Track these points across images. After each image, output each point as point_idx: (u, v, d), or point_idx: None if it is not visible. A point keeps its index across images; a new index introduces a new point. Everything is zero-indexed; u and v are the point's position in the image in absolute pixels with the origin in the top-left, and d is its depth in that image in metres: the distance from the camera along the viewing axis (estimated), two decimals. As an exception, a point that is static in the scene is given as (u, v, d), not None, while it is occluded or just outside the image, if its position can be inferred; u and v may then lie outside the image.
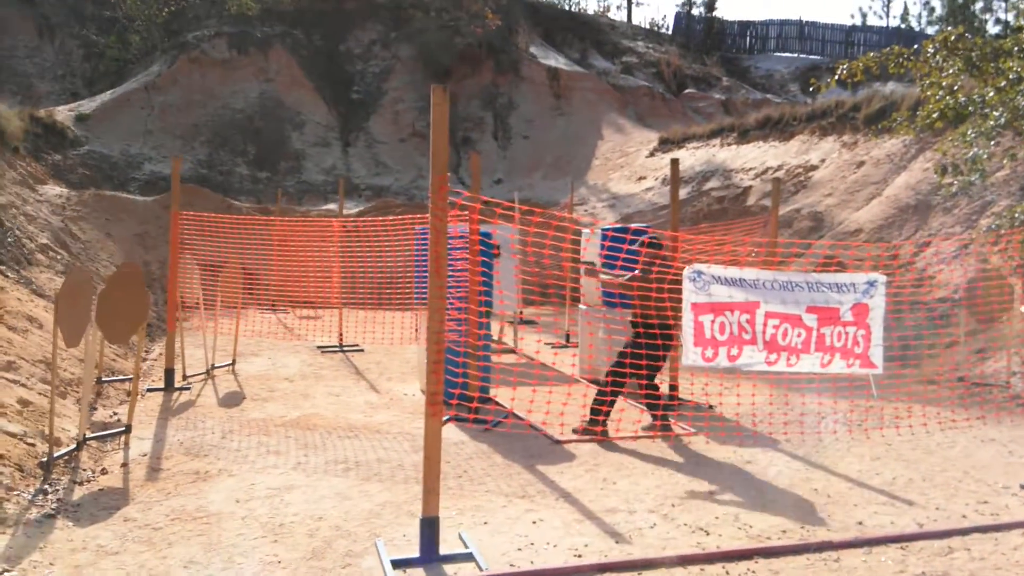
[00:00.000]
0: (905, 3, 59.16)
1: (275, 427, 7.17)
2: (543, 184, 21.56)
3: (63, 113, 19.38)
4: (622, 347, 7.15)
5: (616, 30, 30.87)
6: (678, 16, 33.19)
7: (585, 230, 10.14)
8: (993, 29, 30.40)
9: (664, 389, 8.22)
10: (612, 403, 6.95)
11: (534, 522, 4.85)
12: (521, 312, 13.61)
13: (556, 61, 25.73)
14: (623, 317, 7.93)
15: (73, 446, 5.91)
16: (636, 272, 7.03)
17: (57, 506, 4.94)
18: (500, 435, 6.93)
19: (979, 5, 31.02)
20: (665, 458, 6.39)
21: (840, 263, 9.40)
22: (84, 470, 5.67)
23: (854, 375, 6.39)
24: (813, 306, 5.71)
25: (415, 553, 4.27)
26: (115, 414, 7.41)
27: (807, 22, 32.49)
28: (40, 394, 6.67)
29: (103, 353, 8.70)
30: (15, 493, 4.90)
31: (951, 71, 9.40)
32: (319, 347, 11.81)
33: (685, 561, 4.29)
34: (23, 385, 6.68)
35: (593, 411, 6.92)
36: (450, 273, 7.19)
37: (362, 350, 11.67)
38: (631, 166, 20.86)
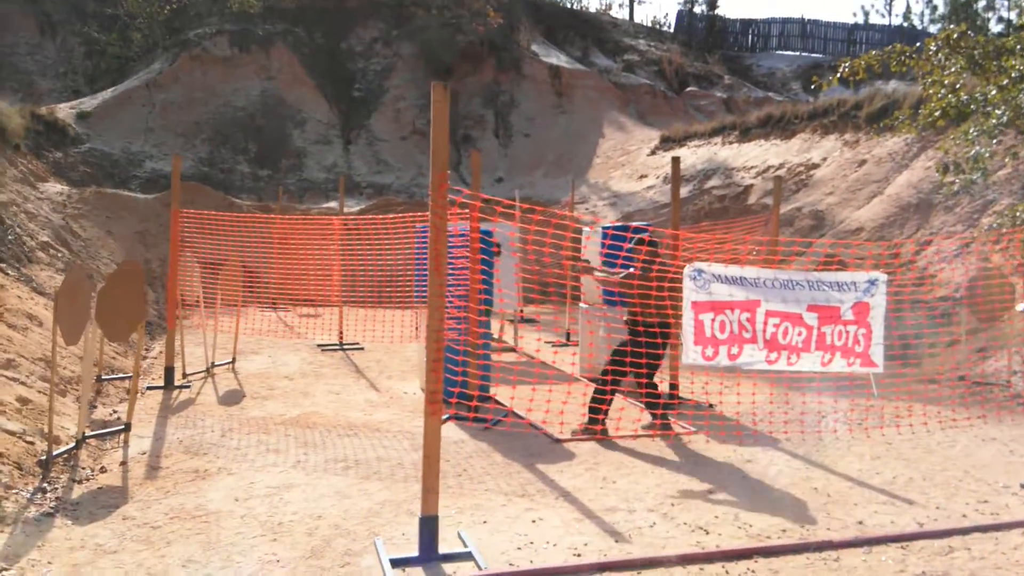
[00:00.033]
0: (907, 1, 58.98)
1: (275, 425, 7.16)
2: (544, 182, 21.55)
3: (64, 111, 19.38)
4: (617, 345, 7.14)
5: (618, 28, 30.84)
6: (680, 14, 33.16)
7: (586, 228, 10.13)
8: (996, 28, 30.34)
9: (664, 388, 8.22)
10: (610, 402, 6.94)
11: (533, 521, 4.84)
12: (521, 310, 13.60)
13: (558, 59, 25.71)
14: (623, 315, 7.92)
15: (72, 444, 5.91)
16: (631, 271, 7.01)
17: (56, 504, 4.94)
18: (500, 434, 6.92)
19: (982, 3, 30.98)
20: (665, 457, 6.38)
21: (841, 261, 9.39)
22: (83, 468, 5.67)
23: (855, 374, 6.38)
24: (814, 305, 5.69)
25: (414, 552, 4.26)
26: (115, 412, 7.40)
27: (809, 20, 32.46)
28: (40, 392, 6.66)
29: (103, 351, 8.70)
30: (14, 491, 4.89)
31: (953, 69, 9.38)
32: (319, 345, 11.81)
33: (685, 560, 4.28)
34: (23, 383, 6.68)
35: (591, 410, 6.91)
36: (450, 271, 7.19)
37: (362, 348, 11.67)
38: (632, 164, 20.84)
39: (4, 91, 19.40)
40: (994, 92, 9.05)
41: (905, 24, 35.33)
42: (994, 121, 9.07)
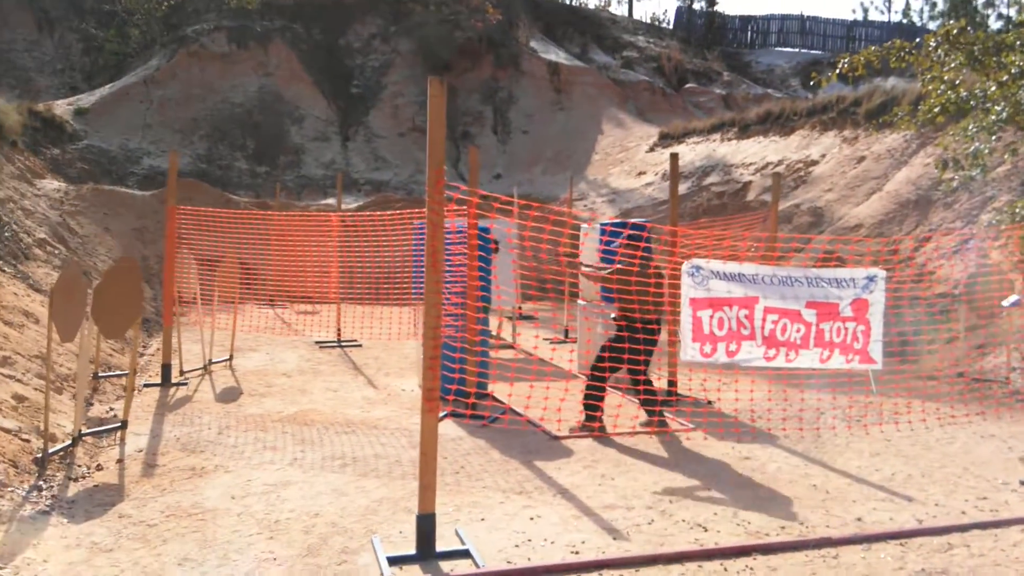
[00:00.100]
0: (907, -2, 58.78)
1: (272, 423, 7.14)
2: (543, 179, 21.52)
3: (62, 107, 19.33)
4: (605, 341, 7.11)
5: (617, 24, 30.79)
6: (679, 10, 33.12)
7: (584, 225, 10.10)
8: (995, 25, 30.33)
9: (662, 385, 8.20)
10: (602, 397, 6.91)
11: (531, 518, 4.83)
12: (519, 307, 13.58)
13: (556, 55, 25.66)
14: (611, 312, 7.90)
15: (68, 442, 5.88)
16: (617, 266, 6.97)
17: (52, 502, 4.92)
18: (498, 431, 6.90)
19: (981, 0, 30.95)
20: (663, 454, 6.37)
21: (840, 258, 9.38)
22: (79, 466, 5.65)
23: (853, 371, 6.36)
24: (812, 301, 5.68)
25: (412, 550, 4.25)
26: (111, 410, 7.38)
27: (808, 17, 32.43)
28: (36, 389, 6.64)
29: (100, 348, 8.67)
30: (9, 489, 4.87)
31: (953, 65, 9.35)
32: (317, 342, 11.79)
33: (683, 558, 4.27)
34: (19, 380, 6.65)
35: (587, 407, 6.89)
36: (448, 268, 7.17)
37: (360, 345, 11.65)
38: (631, 161, 20.81)
39: (1, 88, 19.35)
40: (994, 88, 9.03)
41: (904, 21, 35.32)
42: (993, 117, 9.05)
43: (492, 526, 4.70)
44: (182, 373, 9.03)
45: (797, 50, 32.02)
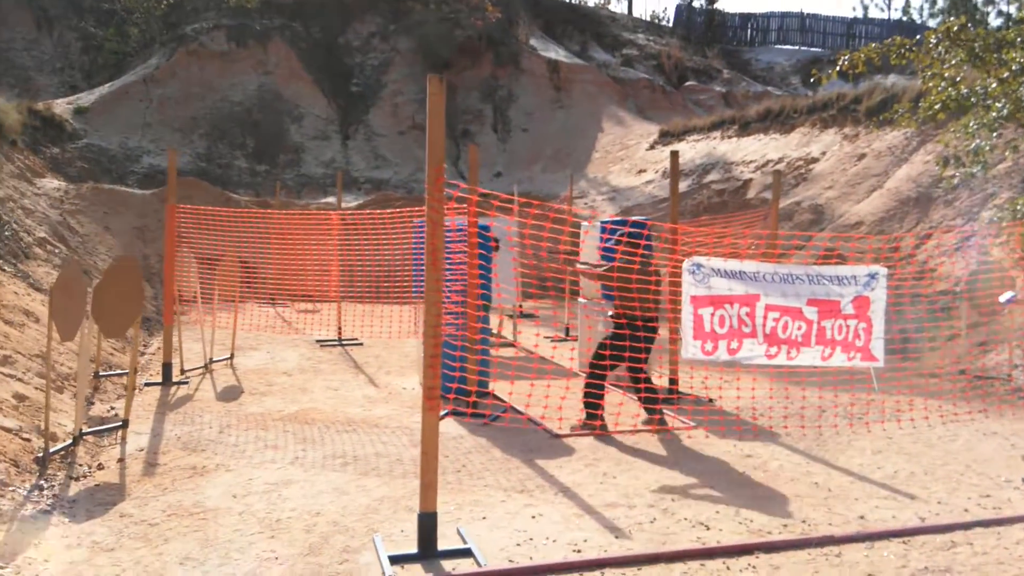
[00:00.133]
0: (907, -5, 58.73)
1: (273, 421, 7.13)
2: (543, 177, 21.50)
3: (61, 106, 19.31)
4: (602, 338, 7.09)
5: (616, 22, 30.77)
6: (679, 8, 33.11)
7: (584, 223, 10.09)
8: (995, 22, 30.29)
9: (663, 383, 8.19)
10: (602, 395, 6.89)
11: (533, 517, 4.82)
12: (520, 305, 13.57)
13: (556, 53, 25.64)
14: (608, 309, 7.88)
15: (69, 441, 5.87)
16: (612, 264, 6.95)
17: (52, 502, 4.91)
18: (499, 429, 6.89)
19: (981, -2, 30.92)
20: (665, 452, 6.36)
21: (841, 256, 9.36)
22: (80, 465, 5.64)
23: (855, 368, 6.35)
24: (814, 299, 5.67)
25: (413, 548, 4.24)
26: (112, 409, 7.38)
27: (808, 14, 32.43)
28: (37, 389, 6.63)
29: (100, 347, 8.67)
30: (10, 489, 4.86)
31: (954, 62, 9.34)
32: (318, 341, 11.78)
33: (685, 556, 4.25)
34: (19, 380, 6.64)
35: (588, 405, 6.88)
36: (448, 266, 7.15)
37: (361, 344, 11.64)
38: (631, 159, 20.80)
39: (1, 87, 19.34)
40: (994, 85, 9.02)
41: (904, 18, 35.28)
42: (994, 114, 9.03)
43: (494, 525, 4.69)
44: (183, 372, 9.03)
45: (797, 48, 32.00)
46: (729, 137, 18.81)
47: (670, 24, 33.02)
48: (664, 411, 7.23)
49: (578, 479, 5.58)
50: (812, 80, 11.41)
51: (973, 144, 9.44)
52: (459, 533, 4.50)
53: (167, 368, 8.65)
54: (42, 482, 5.16)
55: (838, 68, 9.93)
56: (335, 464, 5.86)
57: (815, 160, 15.76)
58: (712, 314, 5.73)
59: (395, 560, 4.14)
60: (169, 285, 9.03)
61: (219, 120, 21.12)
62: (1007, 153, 11.09)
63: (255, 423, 7.06)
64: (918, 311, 10.03)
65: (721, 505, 5.08)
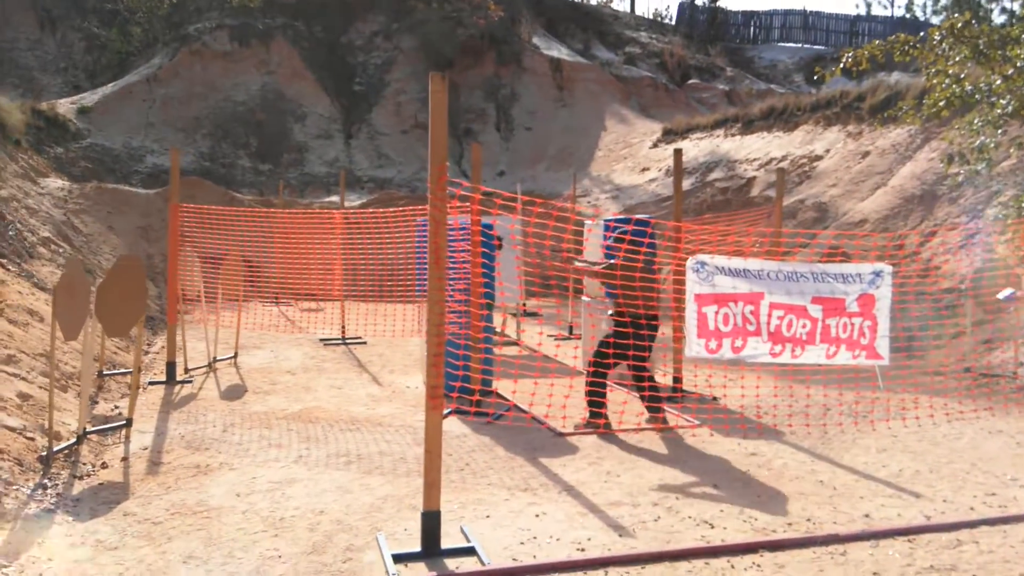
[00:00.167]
0: (910, -8, 58.61)
1: (277, 420, 7.13)
2: (546, 176, 21.49)
3: (65, 106, 19.34)
4: (603, 337, 7.08)
5: (619, 20, 30.74)
6: (681, 6, 33.05)
7: (588, 221, 10.07)
8: (999, 19, 30.18)
9: (667, 381, 8.18)
10: (605, 393, 6.87)
11: (537, 515, 4.81)
12: (523, 304, 13.56)
13: (559, 52, 25.62)
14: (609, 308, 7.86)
15: (73, 440, 5.88)
16: (612, 262, 6.93)
17: (56, 501, 4.91)
18: (502, 428, 6.88)
19: (984, -6, 30.80)
20: (669, 451, 6.34)
21: (845, 253, 9.34)
22: (84, 464, 5.64)
23: (860, 366, 6.33)
24: (818, 297, 5.65)
25: (417, 547, 4.23)
26: (116, 407, 7.38)
27: (811, 12, 32.36)
28: (41, 388, 6.64)
29: (104, 346, 8.68)
30: (14, 488, 4.86)
31: (958, 59, 9.31)
32: (321, 340, 11.79)
33: (690, 555, 4.24)
34: (23, 379, 6.65)
35: (591, 404, 6.86)
36: (451, 265, 7.15)
37: (364, 342, 11.64)
38: (634, 157, 20.77)
39: (4, 87, 19.38)
40: (999, 82, 8.98)
41: (908, 16, 35.15)
42: (999, 111, 9.00)
43: (497, 523, 4.68)
44: (187, 371, 9.03)
45: (800, 45, 31.94)
46: (732, 135, 18.78)
47: (673, 22, 32.98)
48: (668, 409, 7.21)
49: (582, 477, 5.57)
50: (815, 78, 11.38)
51: (978, 141, 9.41)
52: (463, 532, 4.49)
53: (171, 367, 8.66)
54: (46, 481, 5.16)
55: (842, 65, 9.90)
56: (339, 463, 5.86)
57: (819, 158, 15.72)
58: (716, 312, 5.72)
59: (399, 559, 4.13)
60: (173, 284, 9.03)
61: (222, 120, 21.14)
62: (1012, 150, 11.05)
63: (259, 422, 7.06)
64: (923, 309, 10.00)
65: (725, 503, 5.07)
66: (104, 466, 5.70)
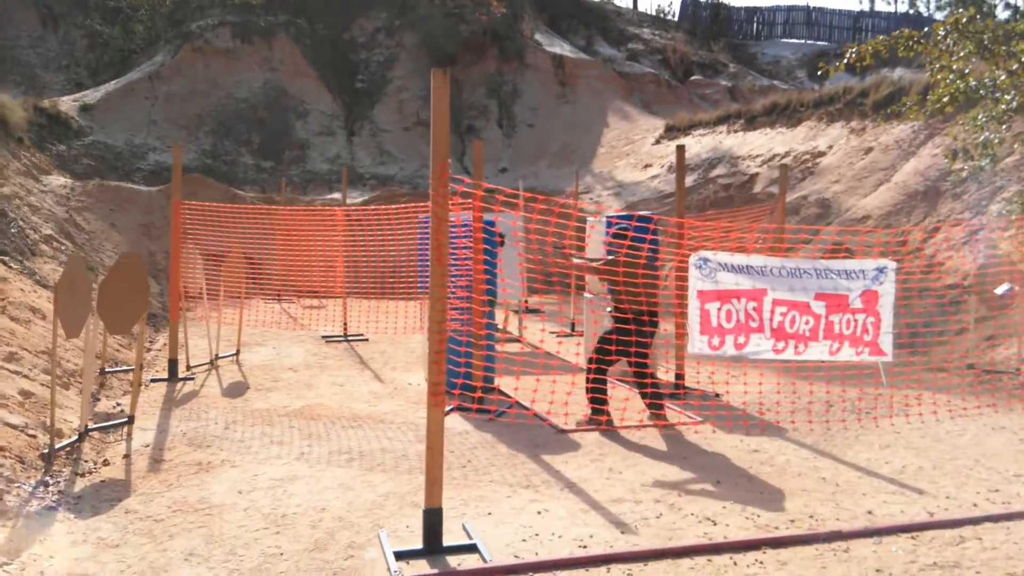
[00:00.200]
0: (913, -12, 58.43)
1: (279, 417, 7.13)
2: (548, 172, 21.46)
3: (67, 103, 19.35)
4: (603, 333, 7.06)
5: (622, 17, 30.69)
6: (684, 2, 32.97)
7: (590, 218, 10.06)
8: (1003, 14, 30.09)
9: (670, 378, 8.16)
10: (606, 390, 6.86)
11: (539, 512, 4.80)
12: (525, 301, 13.55)
13: (561, 48, 25.58)
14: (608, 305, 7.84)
15: (75, 437, 5.88)
16: (611, 258, 6.91)
17: (58, 498, 4.91)
18: (504, 425, 6.88)
19: (988, -10, 30.72)
20: (671, 447, 6.33)
21: (848, 250, 9.32)
22: (86, 462, 5.64)
23: (863, 363, 6.31)
24: (821, 293, 5.64)
25: (418, 544, 4.22)
26: (118, 405, 7.38)
27: (814, 8, 32.26)
28: (43, 385, 6.64)
29: (106, 344, 8.68)
30: (16, 485, 4.86)
31: (962, 54, 9.28)
32: (323, 337, 11.78)
33: (692, 552, 4.23)
34: (25, 376, 6.65)
35: (593, 400, 6.84)
36: (453, 262, 7.13)
37: (367, 339, 11.64)
38: (637, 154, 20.74)
39: (7, 84, 19.40)
40: (1003, 77, 8.95)
41: (911, 11, 35.03)
42: (1003, 107, 8.97)
43: (499, 520, 4.68)
44: (188, 368, 9.04)
45: (803, 41, 31.87)
46: (735, 131, 18.74)
47: (675, 18, 32.91)
48: (669, 406, 7.20)
49: (584, 474, 5.56)
50: (819, 73, 11.36)
51: (982, 137, 9.38)
52: (464, 529, 4.49)
53: (173, 364, 8.66)
54: (47, 478, 5.16)
55: (845, 61, 9.87)
56: (340, 460, 5.86)
57: (822, 154, 15.69)
58: (719, 309, 5.71)
59: (400, 556, 4.13)
60: (175, 281, 9.03)
61: (224, 117, 21.14)
62: (1016, 146, 11.02)
63: (261, 419, 7.05)
64: (926, 305, 9.97)
65: (728, 500, 5.06)
66: (106, 463, 5.70)
